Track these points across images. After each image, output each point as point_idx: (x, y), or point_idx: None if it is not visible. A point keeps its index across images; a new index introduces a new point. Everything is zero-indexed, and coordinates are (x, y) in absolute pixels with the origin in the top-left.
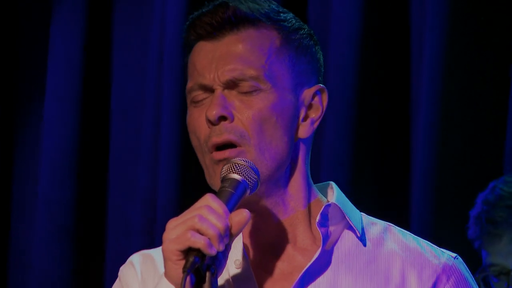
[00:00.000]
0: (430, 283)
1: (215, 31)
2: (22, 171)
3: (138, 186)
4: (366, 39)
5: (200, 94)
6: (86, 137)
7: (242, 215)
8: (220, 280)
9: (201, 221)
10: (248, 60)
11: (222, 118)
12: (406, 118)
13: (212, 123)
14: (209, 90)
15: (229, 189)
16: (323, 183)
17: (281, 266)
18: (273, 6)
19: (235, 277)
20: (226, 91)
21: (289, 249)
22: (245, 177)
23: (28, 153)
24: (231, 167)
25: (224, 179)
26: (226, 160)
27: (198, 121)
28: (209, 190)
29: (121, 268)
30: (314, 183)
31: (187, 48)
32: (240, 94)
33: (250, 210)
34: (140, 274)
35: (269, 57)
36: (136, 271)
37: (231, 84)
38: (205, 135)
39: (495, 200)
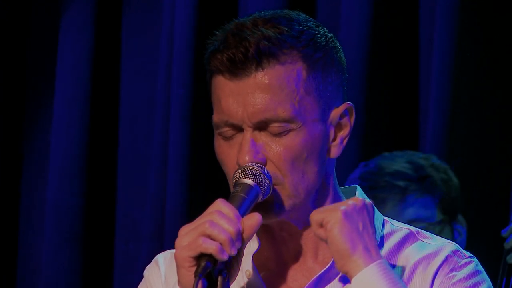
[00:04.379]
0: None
1: (238, 70)
2: (31, 176)
3: (147, 192)
4: (375, 43)
5: (228, 131)
6: (95, 143)
7: (254, 219)
8: None
9: (212, 227)
10: (277, 99)
11: None
12: (415, 122)
13: None
14: (238, 128)
15: (241, 194)
16: (349, 186)
17: (298, 278)
18: (294, 26)
19: (246, 287)
20: (255, 132)
21: (309, 262)
22: (257, 182)
23: (37, 158)
24: (243, 172)
25: (236, 184)
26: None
27: (228, 158)
28: (217, 196)
29: (146, 268)
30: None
31: (208, 73)
32: (270, 134)
33: (274, 227)
34: (164, 274)
35: (297, 92)
36: (160, 270)
37: (262, 126)
38: (235, 173)
39: None
